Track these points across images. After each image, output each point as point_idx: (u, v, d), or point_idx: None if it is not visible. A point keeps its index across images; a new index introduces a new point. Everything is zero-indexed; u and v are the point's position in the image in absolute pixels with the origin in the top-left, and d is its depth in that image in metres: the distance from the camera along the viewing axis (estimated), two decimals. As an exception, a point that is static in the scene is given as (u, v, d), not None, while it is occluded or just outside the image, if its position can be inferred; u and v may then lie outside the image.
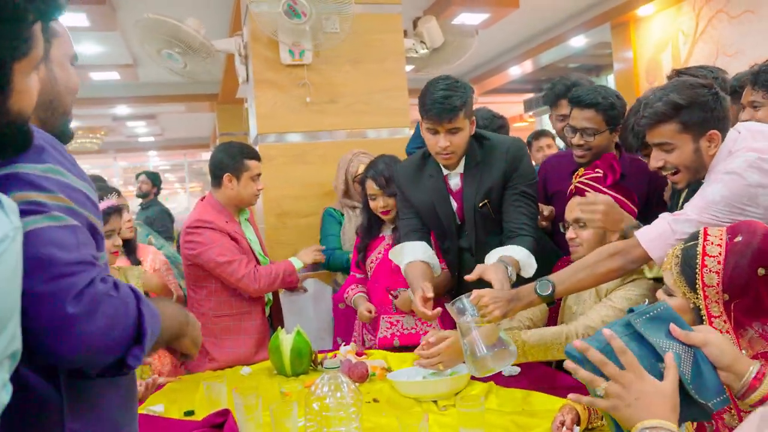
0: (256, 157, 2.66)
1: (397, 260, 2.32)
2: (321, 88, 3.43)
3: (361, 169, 2.96)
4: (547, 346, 1.89)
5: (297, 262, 2.69)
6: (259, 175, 2.66)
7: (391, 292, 2.53)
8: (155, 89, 7.96)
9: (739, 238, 1.31)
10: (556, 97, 2.83)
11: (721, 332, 1.30)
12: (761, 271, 1.27)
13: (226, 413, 1.66)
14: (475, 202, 2.22)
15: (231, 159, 2.60)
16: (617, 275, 1.80)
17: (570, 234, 2.06)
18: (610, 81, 8.43)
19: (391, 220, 2.62)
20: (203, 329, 2.44)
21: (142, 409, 1.90)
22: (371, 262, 2.65)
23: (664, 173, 1.82)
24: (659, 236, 1.68)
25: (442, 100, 2.06)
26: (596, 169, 2.09)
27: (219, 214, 2.60)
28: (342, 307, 2.84)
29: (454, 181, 2.27)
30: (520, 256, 2.04)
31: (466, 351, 1.76)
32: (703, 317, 1.33)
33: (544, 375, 2.02)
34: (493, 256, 2.05)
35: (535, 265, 2.06)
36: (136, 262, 2.85)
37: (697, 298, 1.33)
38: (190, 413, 1.89)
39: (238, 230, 2.62)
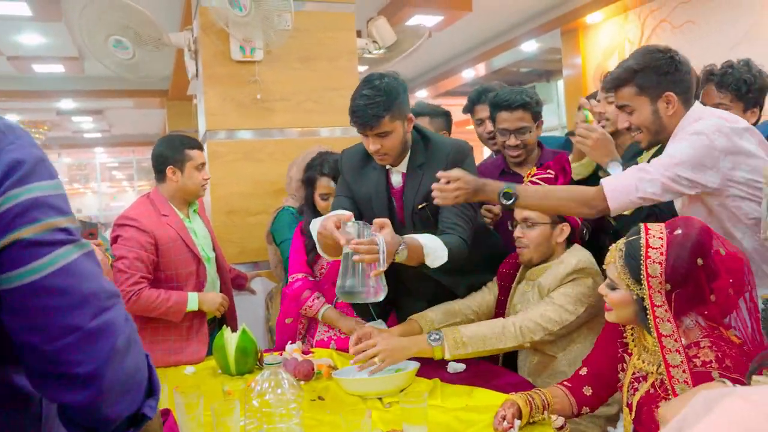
0: (198, 146, 2.60)
1: (314, 231, 2.21)
2: (272, 86, 3.40)
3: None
4: (485, 337, 1.92)
5: (193, 304, 2.46)
6: (203, 164, 2.59)
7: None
8: (102, 83, 7.72)
9: (678, 231, 1.39)
10: (471, 103, 2.94)
11: (663, 321, 1.36)
12: (700, 261, 1.37)
13: (166, 413, 1.62)
14: (414, 203, 2.18)
15: (172, 151, 2.55)
16: (576, 215, 1.98)
17: (517, 233, 2.10)
18: (559, 86, 8.62)
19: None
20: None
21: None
22: (321, 268, 2.59)
23: (632, 134, 1.98)
24: (623, 190, 1.78)
25: (363, 108, 2.01)
26: (548, 170, 2.12)
27: (156, 210, 2.51)
28: (289, 322, 2.68)
29: (396, 179, 2.23)
30: (430, 243, 1.97)
31: (341, 277, 1.79)
32: (647, 307, 1.39)
33: (488, 372, 2.05)
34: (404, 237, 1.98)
35: (444, 259, 1.99)
36: None
37: (640, 289, 1.40)
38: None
39: (179, 224, 2.53)
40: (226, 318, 2.69)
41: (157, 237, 2.45)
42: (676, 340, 1.38)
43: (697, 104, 1.92)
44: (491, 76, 8.86)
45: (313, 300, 2.51)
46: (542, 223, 2.05)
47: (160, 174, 2.58)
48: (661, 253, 1.40)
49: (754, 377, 1.00)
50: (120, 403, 0.86)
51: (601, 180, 1.84)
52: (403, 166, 2.21)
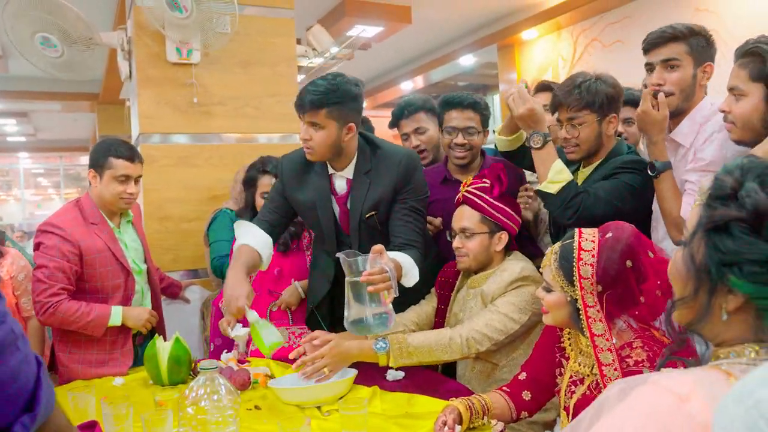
0: (126, 156, 2.38)
1: (237, 231, 2.22)
2: (209, 89, 3.33)
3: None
4: (431, 347, 1.92)
5: (116, 318, 2.32)
6: (126, 177, 2.37)
7: (273, 292, 2.49)
8: (28, 84, 7.34)
9: (609, 234, 1.45)
10: (396, 118, 2.87)
11: (595, 321, 1.40)
12: (629, 263, 1.41)
13: (92, 425, 1.54)
14: (362, 211, 2.15)
15: (97, 153, 2.40)
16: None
17: (456, 243, 2.10)
18: (496, 101, 8.81)
19: None
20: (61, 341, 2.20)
21: (-4, 425, 1.73)
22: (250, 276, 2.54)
23: (661, 91, 1.95)
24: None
25: (305, 92, 2.03)
26: (483, 179, 2.14)
27: (84, 218, 2.37)
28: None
29: (339, 184, 2.19)
30: (405, 262, 2.00)
31: (348, 308, 1.81)
32: (579, 309, 1.42)
33: (429, 379, 2.04)
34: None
35: (416, 277, 2.03)
36: None
37: (573, 290, 1.44)
38: (51, 428, 1.73)
39: (108, 234, 2.39)
40: (155, 329, 2.58)
41: (83, 247, 2.30)
42: (607, 339, 1.42)
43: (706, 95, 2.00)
44: (429, 89, 8.97)
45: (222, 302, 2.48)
46: (480, 233, 2.07)
47: (89, 178, 2.46)
48: (593, 255, 1.44)
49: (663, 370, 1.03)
50: None
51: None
52: (348, 172, 2.17)
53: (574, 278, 1.45)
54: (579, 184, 2.07)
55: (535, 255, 2.27)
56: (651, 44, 2.01)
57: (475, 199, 2.08)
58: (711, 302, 0.85)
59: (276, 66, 3.51)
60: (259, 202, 2.53)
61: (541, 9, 5.93)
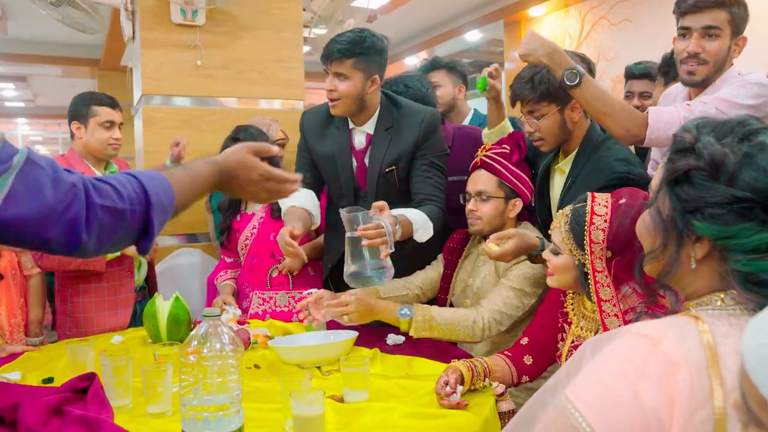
0: (107, 103, 2.49)
1: (282, 203, 2.24)
2: (213, 52, 3.28)
3: (280, 135, 2.90)
4: (454, 327, 1.87)
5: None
6: (111, 122, 2.47)
7: (276, 255, 2.47)
8: (27, 47, 7.26)
9: (623, 200, 1.43)
10: (433, 67, 3.05)
11: (603, 286, 1.39)
12: None
13: (91, 377, 1.53)
14: (381, 165, 2.18)
15: (78, 105, 2.48)
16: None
17: (471, 206, 2.08)
18: (502, 77, 8.72)
19: None
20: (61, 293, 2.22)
21: (-6, 377, 1.73)
22: (245, 240, 2.53)
23: (691, 62, 1.89)
24: (666, 120, 1.76)
25: (332, 42, 2.05)
26: (503, 145, 2.12)
27: (70, 167, 2.39)
28: None
29: (359, 139, 2.22)
30: (416, 218, 2.01)
31: (348, 261, 1.82)
32: (588, 273, 1.41)
33: (430, 344, 2.03)
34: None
35: (431, 232, 2.06)
36: None
37: (582, 254, 1.43)
38: (48, 380, 1.73)
39: None
40: (149, 288, 2.60)
41: None
42: (614, 305, 1.41)
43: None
44: (434, 65, 8.90)
45: (218, 278, 2.60)
46: (496, 197, 2.05)
47: (70, 130, 2.50)
48: (605, 221, 1.43)
49: None
50: None
51: (650, 108, 1.81)
52: (368, 127, 2.20)
53: (585, 242, 1.44)
54: (562, 177, 2.02)
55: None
56: (692, 7, 1.87)
57: (494, 164, 2.06)
58: (679, 252, 0.91)
59: (281, 31, 3.45)
60: None
61: (550, -15, 5.87)
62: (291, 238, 1.90)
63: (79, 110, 2.46)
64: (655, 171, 0.99)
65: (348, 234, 1.83)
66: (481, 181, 2.07)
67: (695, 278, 0.92)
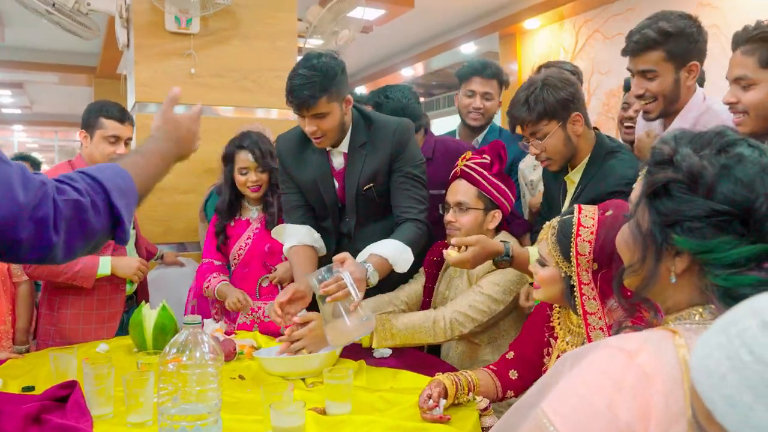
0: (116, 117, 2.42)
1: (280, 239, 2.25)
2: (207, 61, 3.29)
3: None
4: (415, 330, 1.91)
5: (105, 268, 2.33)
6: (117, 137, 2.41)
7: (268, 264, 2.46)
8: (24, 54, 7.25)
9: (609, 212, 1.41)
10: (472, 71, 2.83)
11: (589, 298, 1.40)
12: None
13: (72, 385, 1.52)
14: (358, 184, 2.14)
15: (89, 113, 2.43)
16: None
17: (449, 217, 2.08)
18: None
19: (258, 198, 2.51)
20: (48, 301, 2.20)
21: (-25, 384, 1.71)
22: (239, 249, 2.52)
23: (642, 102, 1.90)
24: None
25: (299, 88, 1.94)
26: (483, 155, 2.11)
27: None
28: (193, 305, 2.66)
29: (338, 160, 2.19)
30: (391, 251, 1.98)
31: (326, 320, 1.77)
32: (574, 285, 1.41)
33: (415, 357, 2.03)
34: (364, 254, 2.00)
35: (411, 257, 2.02)
36: None
37: (569, 266, 1.42)
38: (29, 389, 1.71)
39: None
40: (137, 296, 2.59)
41: None
42: (600, 318, 1.40)
43: (698, 89, 1.91)
44: (429, 77, 8.94)
45: (209, 280, 2.48)
46: (475, 209, 2.04)
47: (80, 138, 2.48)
48: (592, 233, 1.41)
49: None
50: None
51: None
52: (344, 146, 2.16)
53: (571, 254, 1.42)
54: (573, 187, 2.00)
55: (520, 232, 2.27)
56: (627, 52, 1.90)
57: (474, 174, 2.06)
58: (658, 266, 0.91)
59: (276, 40, 3.46)
60: (238, 178, 2.49)
61: (545, -1, 5.90)
62: (281, 306, 1.92)
63: (89, 119, 2.42)
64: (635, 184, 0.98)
65: (317, 295, 1.81)
66: (460, 191, 2.06)
67: (675, 292, 0.91)
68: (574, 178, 2.01)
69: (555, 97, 1.86)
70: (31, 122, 13.48)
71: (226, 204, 2.55)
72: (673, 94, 1.88)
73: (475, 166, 2.07)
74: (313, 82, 1.94)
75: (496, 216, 2.07)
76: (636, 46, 1.85)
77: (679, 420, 0.77)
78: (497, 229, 2.11)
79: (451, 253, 1.79)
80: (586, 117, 1.95)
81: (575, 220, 1.44)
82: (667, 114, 1.93)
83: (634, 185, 1.58)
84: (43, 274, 2.31)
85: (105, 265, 2.33)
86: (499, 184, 2.07)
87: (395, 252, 1.99)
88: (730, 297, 0.84)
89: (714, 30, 4.70)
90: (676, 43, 1.81)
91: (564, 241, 1.45)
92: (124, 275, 2.39)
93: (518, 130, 1.99)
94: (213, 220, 2.59)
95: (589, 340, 1.41)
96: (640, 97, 1.92)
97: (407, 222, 2.09)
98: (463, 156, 2.13)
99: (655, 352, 0.81)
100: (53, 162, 16.54)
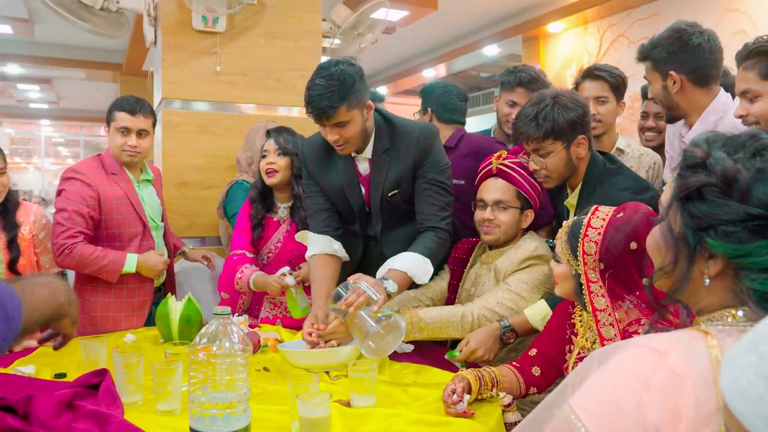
0: (126, 109, 2.48)
1: (305, 243, 2.26)
2: (233, 59, 3.33)
3: None
4: (443, 324, 1.93)
5: (131, 265, 2.40)
6: (127, 129, 2.47)
7: (293, 262, 2.48)
8: (53, 50, 7.39)
9: (621, 215, 1.45)
10: (518, 82, 2.75)
11: (598, 296, 1.43)
12: (633, 245, 1.41)
13: (103, 373, 1.55)
14: (383, 190, 2.13)
15: (109, 109, 2.54)
16: None
17: (487, 215, 2.06)
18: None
19: (275, 184, 2.48)
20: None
21: (10, 370, 1.76)
22: (269, 252, 2.53)
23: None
24: None
25: (318, 98, 1.92)
26: (519, 155, 2.12)
27: (102, 167, 2.49)
28: (225, 297, 2.59)
29: (363, 166, 2.17)
30: (410, 264, 1.98)
31: (358, 338, 1.79)
32: (582, 283, 1.43)
33: (437, 352, 2.05)
34: (383, 269, 2.00)
35: (431, 269, 2.01)
36: (12, 225, 2.48)
37: (578, 264, 1.45)
38: (61, 375, 1.75)
39: (128, 185, 2.50)
40: (165, 287, 2.64)
41: (102, 193, 2.41)
42: (609, 314, 1.44)
43: (722, 92, 1.97)
44: (451, 78, 8.93)
45: (242, 271, 2.44)
46: (513, 207, 2.06)
47: None
48: (599, 233, 1.45)
49: None
50: None
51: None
52: (368, 152, 2.14)
53: (578, 253, 1.46)
54: (572, 211, 2.00)
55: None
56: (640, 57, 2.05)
57: (513, 173, 2.07)
58: (690, 269, 0.90)
59: (300, 40, 3.50)
60: (261, 164, 2.51)
61: (568, 2, 5.87)
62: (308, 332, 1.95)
63: (108, 114, 2.53)
64: (665, 186, 0.99)
65: (341, 315, 1.85)
66: (499, 189, 2.06)
67: (707, 294, 0.90)
68: (572, 201, 2.02)
69: (565, 117, 1.87)
70: (58, 117, 13.71)
71: (258, 194, 2.53)
72: (667, 101, 2.00)
73: (513, 166, 2.07)
74: (331, 91, 1.91)
75: (529, 216, 2.09)
76: (638, 56, 2.04)
77: (710, 422, 0.76)
78: (525, 229, 2.12)
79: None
80: (590, 140, 1.96)
81: (586, 220, 1.48)
82: (677, 117, 2.04)
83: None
84: (71, 264, 2.37)
85: (131, 263, 2.40)
86: (535, 184, 2.08)
87: (414, 265, 1.98)
88: (767, 300, 0.84)
89: (742, 36, 4.67)
90: (658, 53, 1.97)
91: (573, 240, 1.49)
92: (148, 275, 2.46)
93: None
94: (243, 214, 2.58)
95: (600, 337, 1.43)
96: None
97: (428, 231, 2.08)
98: (497, 155, 2.13)
99: (686, 353, 0.80)
100: (78, 156, 16.79)
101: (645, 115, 2.90)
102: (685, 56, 1.92)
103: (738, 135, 0.90)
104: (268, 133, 2.54)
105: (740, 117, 1.72)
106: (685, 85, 1.94)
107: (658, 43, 1.94)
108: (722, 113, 1.91)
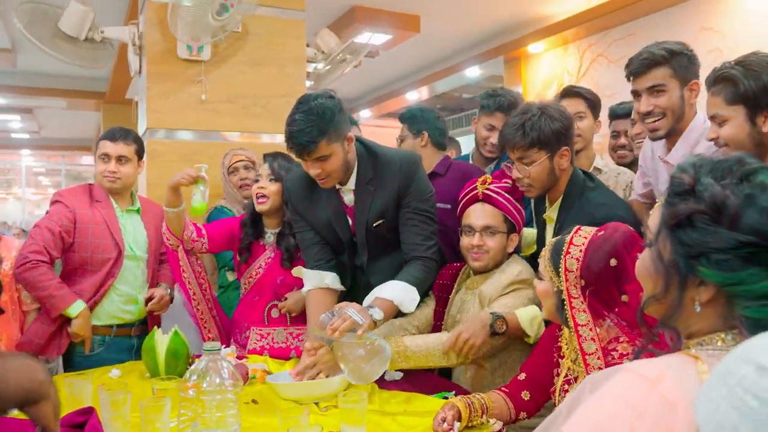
0: (107, 137, 2.58)
1: (302, 277, 2.28)
2: (218, 87, 3.34)
3: (234, 159, 2.93)
4: (429, 352, 1.92)
5: (75, 310, 2.38)
6: (107, 155, 2.54)
7: (278, 293, 2.47)
8: (35, 80, 7.35)
9: (601, 233, 1.47)
10: (497, 107, 2.79)
11: (579, 311, 1.46)
12: (613, 261, 1.44)
13: (89, 411, 1.53)
14: (368, 221, 2.13)
15: (97, 141, 2.63)
16: None
17: (477, 241, 2.06)
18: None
19: (266, 211, 2.47)
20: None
21: (-10, 410, 1.72)
22: (249, 277, 2.52)
23: (649, 120, 1.98)
24: None
25: (297, 135, 1.93)
26: (504, 180, 2.14)
27: (88, 193, 2.56)
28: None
29: (348, 197, 2.17)
30: (396, 293, 1.98)
31: (343, 363, 1.79)
32: (564, 299, 1.46)
33: (426, 379, 2.04)
34: (370, 297, 2.00)
35: (418, 297, 2.03)
36: None
37: (560, 281, 1.48)
38: (46, 414, 1.72)
39: (108, 212, 2.54)
40: (149, 321, 2.62)
41: (79, 216, 2.47)
42: (591, 329, 1.45)
43: (699, 111, 2.00)
44: (434, 100, 9.01)
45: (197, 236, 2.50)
46: (501, 232, 2.07)
47: None
48: (581, 251, 1.47)
49: None
50: None
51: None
52: (351, 183, 2.14)
53: (561, 270, 1.48)
54: (551, 225, 2.03)
55: None
56: (634, 73, 1.99)
57: (500, 198, 2.08)
58: (682, 296, 0.88)
59: (285, 67, 3.52)
60: (252, 188, 2.52)
61: (548, 23, 5.97)
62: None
63: (96, 145, 2.62)
64: (652, 210, 0.98)
65: (326, 342, 1.86)
66: (486, 215, 2.07)
67: (698, 320, 0.90)
68: (552, 215, 2.05)
69: (551, 127, 1.92)
70: (39, 146, 13.60)
71: (249, 219, 2.53)
72: (680, 111, 1.96)
73: (499, 191, 2.09)
74: (311, 126, 1.91)
75: (514, 240, 2.09)
76: (645, 62, 1.95)
77: None
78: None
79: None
80: (573, 153, 2.00)
81: (568, 238, 1.51)
82: (673, 133, 2.00)
83: (609, 221, 1.61)
84: (27, 279, 2.37)
85: (75, 309, 2.39)
86: (519, 208, 2.10)
87: (401, 293, 1.99)
88: (762, 327, 0.81)
89: (716, 54, 4.76)
90: (679, 61, 1.93)
91: (556, 257, 1.51)
92: (72, 329, 2.42)
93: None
94: (227, 220, 2.66)
95: (582, 352, 1.44)
96: (647, 114, 1.98)
97: (414, 260, 2.09)
98: (482, 179, 2.14)
99: (677, 379, 0.80)
100: (60, 185, 16.65)
101: (616, 134, 3.01)
102: (697, 70, 1.97)
103: (725, 159, 0.90)
104: (264, 158, 2.54)
105: (711, 140, 1.77)
106: (695, 99, 1.98)
107: (680, 52, 1.93)
108: (702, 131, 1.94)
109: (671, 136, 2.01)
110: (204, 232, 2.53)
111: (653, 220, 0.95)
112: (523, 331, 1.91)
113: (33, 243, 2.37)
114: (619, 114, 2.97)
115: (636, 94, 2.01)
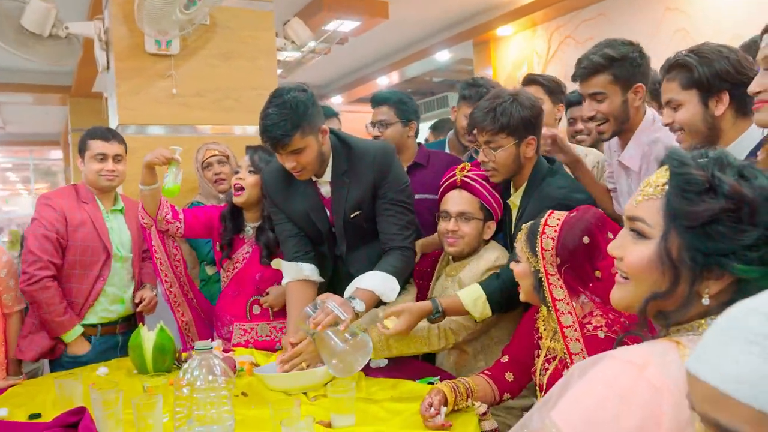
0: (100, 137, 2.58)
1: (281, 269, 2.30)
2: (188, 81, 3.32)
3: (207, 154, 2.93)
4: (411, 340, 1.97)
5: (74, 335, 2.45)
6: (103, 155, 2.55)
7: (260, 288, 2.49)
8: (-1, 76, 7.20)
9: (574, 214, 1.57)
10: (479, 98, 2.67)
11: (556, 287, 1.53)
12: (586, 239, 1.52)
13: (81, 411, 1.55)
14: (345, 212, 2.15)
15: (80, 142, 2.61)
16: None
17: (451, 226, 2.09)
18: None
19: (242, 203, 2.48)
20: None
21: (-20, 415, 1.73)
22: (228, 271, 2.54)
23: (595, 123, 2.05)
24: None
25: (271, 128, 1.95)
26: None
27: (74, 194, 2.55)
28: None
29: (325, 189, 2.19)
30: (377, 283, 2.02)
31: (326, 357, 1.81)
32: (541, 277, 1.54)
33: (411, 365, 2.09)
34: (350, 288, 2.03)
35: (398, 286, 2.06)
36: None
37: (536, 261, 1.55)
38: (35, 416, 1.73)
39: (95, 213, 2.55)
40: (134, 318, 2.64)
41: (68, 217, 2.47)
42: (567, 303, 1.52)
43: (648, 109, 2.05)
44: (404, 85, 9.02)
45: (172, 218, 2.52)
46: (477, 219, 2.10)
47: None
48: (555, 230, 1.56)
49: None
50: None
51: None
52: (327, 175, 2.16)
53: (537, 249, 1.55)
54: (515, 210, 2.08)
55: None
56: (577, 77, 2.04)
57: (476, 186, 2.11)
58: (692, 291, 0.89)
59: (256, 59, 3.51)
60: (232, 180, 2.52)
61: (517, 5, 6.00)
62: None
63: (81, 146, 2.59)
64: (632, 196, 0.98)
65: (309, 334, 1.88)
66: (463, 201, 2.10)
67: (695, 310, 0.91)
68: (515, 201, 2.09)
69: (521, 114, 1.95)
70: (5, 142, 13.28)
71: (228, 213, 2.54)
72: (623, 115, 2.02)
73: (477, 178, 2.12)
74: (284, 119, 1.94)
75: (491, 227, 2.13)
76: (584, 71, 2.01)
77: (686, 429, 0.79)
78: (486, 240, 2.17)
79: (387, 325, 1.89)
80: (539, 143, 2.04)
81: (543, 220, 1.59)
82: (620, 133, 2.06)
83: (568, 201, 1.68)
84: (34, 298, 2.41)
85: (72, 335, 2.46)
86: (497, 196, 2.13)
87: (381, 283, 2.03)
88: None
89: (682, 33, 4.85)
90: (620, 68, 1.97)
91: (532, 239, 1.58)
92: (73, 347, 2.49)
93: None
94: (208, 209, 2.65)
95: (560, 325, 1.51)
96: (591, 118, 2.06)
97: (393, 250, 2.13)
98: (461, 167, 2.17)
99: (661, 365, 0.83)
100: (28, 180, 16.32)
101: (572, 121, 3.10)
102: (645, 70, 2.01)
103: (716, 156, 0.90)
104: (246, 150, 2.55)
105: (667, 125, 1.83)
106: (641, 101, 2.03)
107: (621, 57, 1.95)
108: (654, 132, 2.01)
109: (621, 135, 2.08)
110: (182, 216, 2.53)
111: (649, 214, 0.93)
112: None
113: (36, 259, 2.38)
114: (572, 102, 3.04)
115: (582, 97, 2.09)
